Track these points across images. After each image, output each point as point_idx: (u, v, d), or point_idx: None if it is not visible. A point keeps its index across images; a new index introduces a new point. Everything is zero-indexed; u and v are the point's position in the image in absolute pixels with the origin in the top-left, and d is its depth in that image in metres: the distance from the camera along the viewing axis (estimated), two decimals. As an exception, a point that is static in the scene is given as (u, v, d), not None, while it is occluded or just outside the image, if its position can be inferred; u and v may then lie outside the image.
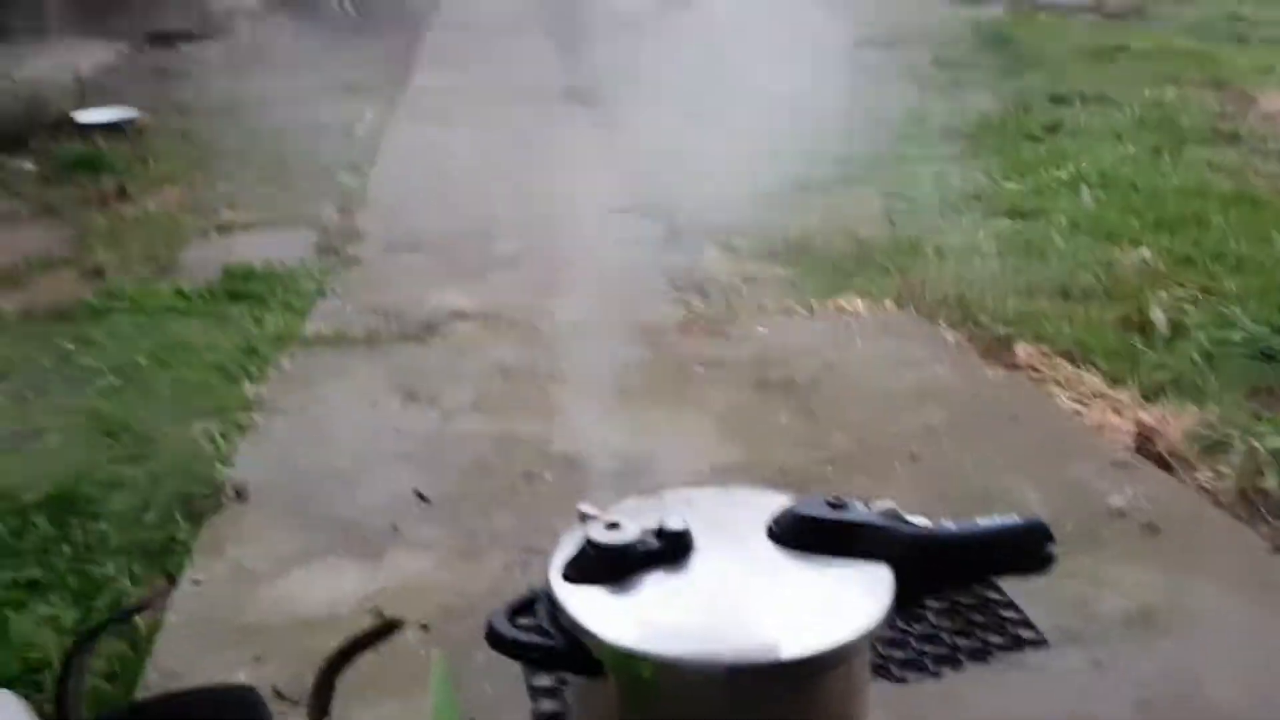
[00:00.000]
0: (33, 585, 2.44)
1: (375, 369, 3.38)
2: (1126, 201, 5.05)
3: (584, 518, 1.38)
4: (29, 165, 6.29)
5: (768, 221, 4.70)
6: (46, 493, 2.73)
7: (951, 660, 2.03)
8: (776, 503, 1.43)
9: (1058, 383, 3.28)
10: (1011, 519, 1.43)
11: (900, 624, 2.05)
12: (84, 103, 7.54)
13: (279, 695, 1.92)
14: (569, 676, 1.40)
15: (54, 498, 2.71)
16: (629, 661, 1.24)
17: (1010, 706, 1.96)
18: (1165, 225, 4.70)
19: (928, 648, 2.04)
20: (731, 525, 1.42)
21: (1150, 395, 3.22)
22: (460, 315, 3.81)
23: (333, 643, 1.37)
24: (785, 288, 4.03)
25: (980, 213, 4.95)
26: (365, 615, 2.16)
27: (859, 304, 3.79)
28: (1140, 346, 3.56)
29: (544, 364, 3.38)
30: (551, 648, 1.30)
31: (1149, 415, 3.03)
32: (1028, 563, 1.44)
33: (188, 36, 10.82)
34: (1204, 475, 2.75)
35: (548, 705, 1.95)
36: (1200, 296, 3.92)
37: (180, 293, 4.12)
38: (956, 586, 1.44)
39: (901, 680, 1.98)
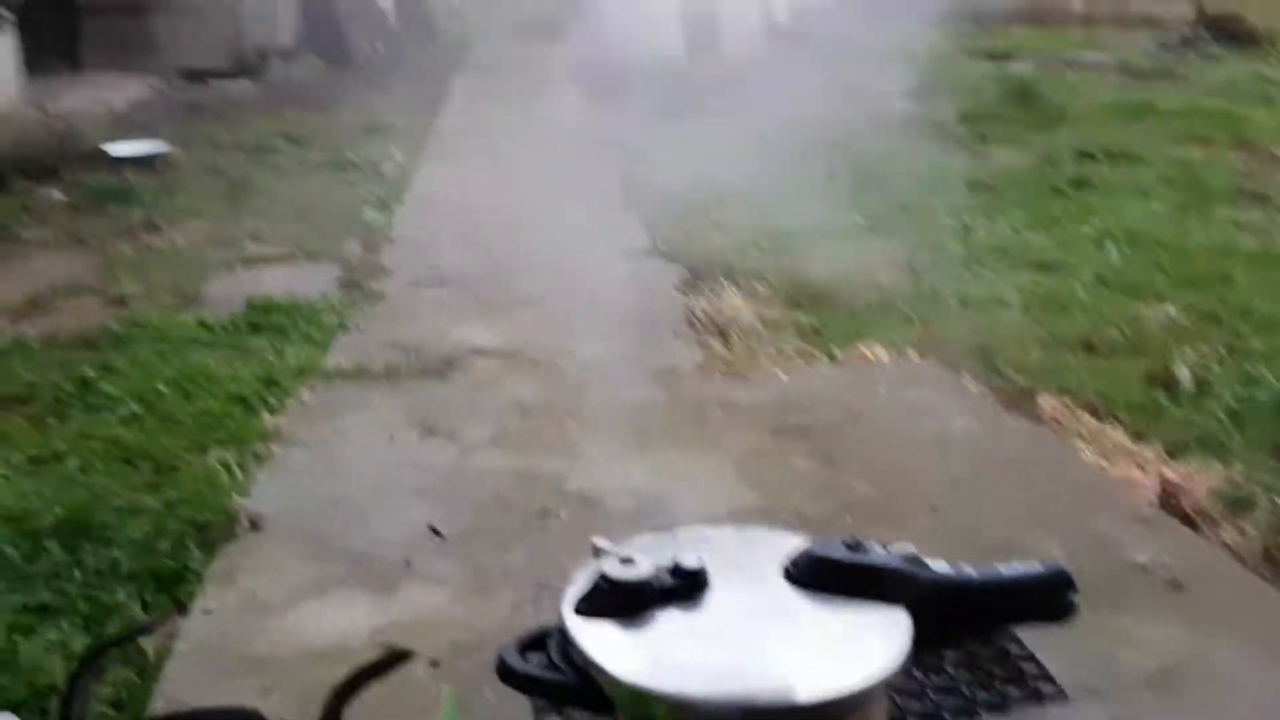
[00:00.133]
0: (43, 610, 2.42)
1: (394, 403, 3.37)
2: (1152, 258, 5.02)
3: (598, 552, 1.36)
4: (59, 195, 6.35)
5: (790, 268, 4.69)
6: (60, 517, 2.73)
7: (969, 712, 1.98)
8: (793, 543, 1.42)
9: (1081, 436, 3.24)
10: (1033, 566, 1.41)
11: (918, 674, 2.02)
12: (115, 136, 7.63)
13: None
14: (579, 714, 1.38)
15: (68, 523, 2.71)
16: (641, 699, 1.22)
17: (1029, 761, 1.91)
18: (1191, 282, 4.67)
19: (946, 699, 2.00)
20: (747, 564, 1.40)
21: (1174, 451, 3.18)
22: (481, 352, 3.81)
23: (342, 675, 1.36)
24: (806, 334, 4.01)
25: (1005, 265, 4.93)
26: (376, 648, 2.13)
27: (881, 352, 3.77)
28: (1164, 402, 3.52)
29: (563, 402, 3.36)
30: (562, 683, 1.28)
31: (1173, 471, 2.99)
32: (1049, 611, 1.41)
33: (220, 74, 10.95)
34: (1228, 533, 2.70)
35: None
36: (1225, 354, 3.88)
37: (203, 324, 4.14)
38: (976, 634, 1.41)
39: (918, 731, 1.94)
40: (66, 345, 3.99)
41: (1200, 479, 2.95)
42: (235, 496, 2.80)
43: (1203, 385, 3.64)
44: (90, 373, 3.66)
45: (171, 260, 5.08)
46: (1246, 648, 2.19)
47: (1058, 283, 4.69)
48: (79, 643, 2.29)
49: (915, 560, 1.36)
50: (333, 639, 2.23)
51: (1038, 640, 2.11)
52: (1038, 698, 2.03)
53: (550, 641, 1.33)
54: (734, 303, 4.19)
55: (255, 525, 2.67)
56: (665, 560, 1.34)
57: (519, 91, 10.79)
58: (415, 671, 2.05)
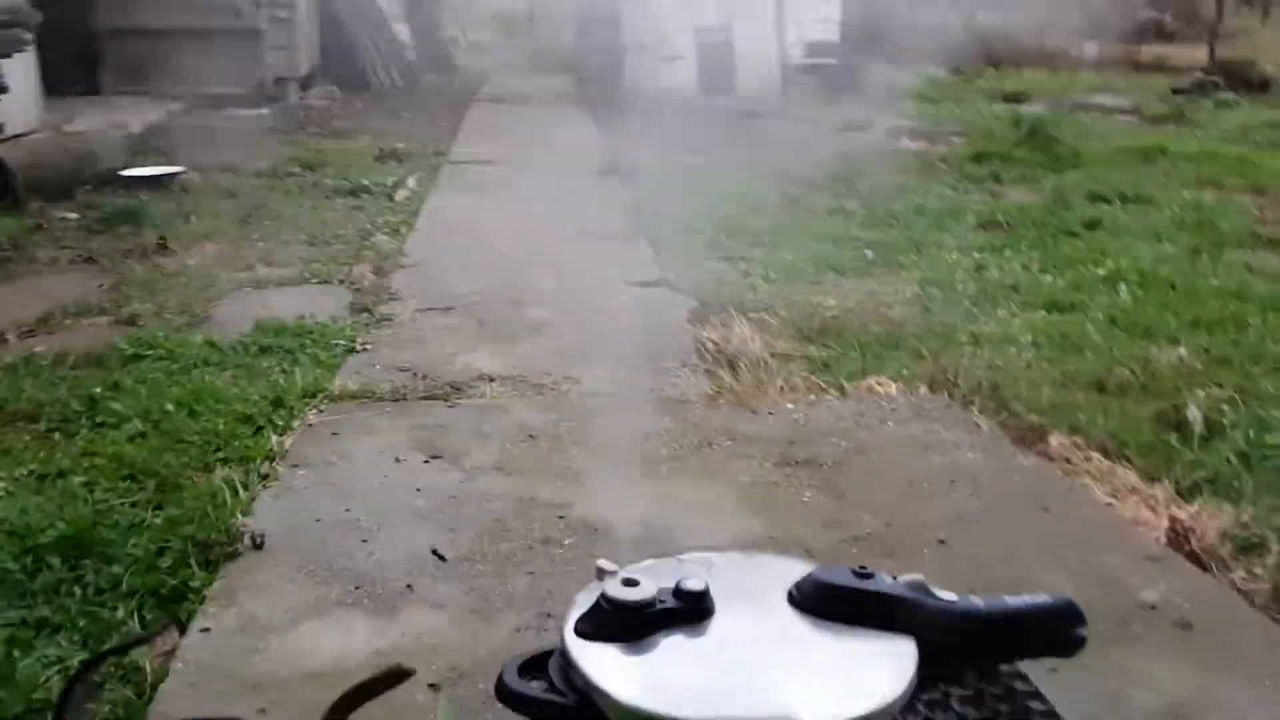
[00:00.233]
0: (42, 625, 2.40)
1: (400, 426, 3.36)
2: (1164, 300, 5.02)
3: (601, 574, 1.34)
4: (73, 215, 6.38)
5: (801, 301, 4.69)
6: (62, 533, 2.70)
7: (975, 750, 1.95)
8: (799, 570, 1.39)
9: (1091, 475, 3.22)
10: (1042, 598, 1.39)
11: (924, 710, 1.99)
12: (132, 158, 7.68)
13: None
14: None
15: (70, 539, 2.69)
16: (641, 723, 1.20)
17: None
18: (1203, 325, 4.66)
19: (951, 736, 1.97)
20: (752, 590, 1.38)
21: (1185, 492, 3.15)
22: (488, 378, 3.80)
23: (341, 690, 1.34)
24: (816, 367, 4.00)
25: (1017, 304, 4.92)
26: (376, 666, 2.11)
27: (891, 386, 3.75)
28: (1175, 444, 3.50)
29: (568, 429, 3.35)
30: (562, 704, 1.26)
31: (1183, 512, 2.96)
32: (1057, 644, 1.39)
33: (238, 101, 11.04)
34: (1238, 575, 2.67)
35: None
36: (1237, 397, 3.85)
37: (212, 344, 4.14)
38: (983, 665, 1.39)
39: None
40: (75, 364, 3.98)
41: (1210, 520, 2.92)
42: (238, 516, 2.78)
43: (1214, 427, 3.62)
44: (98, 391, 3.65)
45: (182, 281, 5.09)
46: (1256, 688, 2.16)
47: (1070, 322, 4.68)
48: (77, 659, 2.27)
49: (922, 589, 1.34)
50: (331, 661, 2.21)
51: (1045, 678, 2.08)
52: (1045, 736, 2.00)
53: (551, 662, 1.30)
54: (743, 334, 4.17)
55: (257, 545, 2.65)
56: (669, 583, 1.32)
57: (533, 123, 10.86)
58: (415, 696, 2.03)
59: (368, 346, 4.17)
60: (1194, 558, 2.74)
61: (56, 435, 3.38)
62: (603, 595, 1.30)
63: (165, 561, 2.61)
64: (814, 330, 4.38)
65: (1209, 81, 12.96)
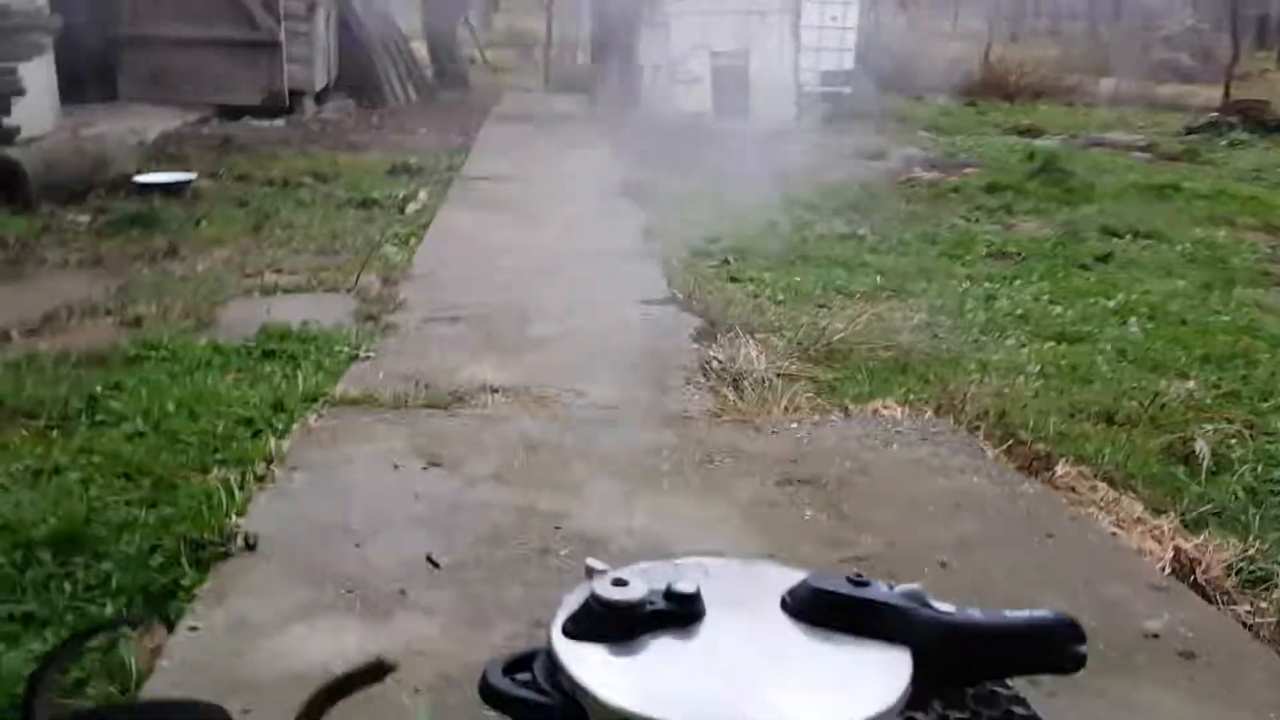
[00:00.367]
0: (29, 620, 2.38)
1: (401, 433, 3.33)
2: (1174, 334, 4.99)
3: (591, 573, 1.31)
4: (84, 219, 6.39)
5: (808, 323, 4.66)
6: (55, 529, 2.68)
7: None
8: (794, 578, 1.36)
9: (1096, 504, 3.18)
10: (1041, 613, 1.35)
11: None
12: (146, 165, 7.70)
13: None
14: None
15: (62, 535, 2.67)
16: (625, 727, 1.17)
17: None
18: (1212, 360, 4.63)
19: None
20: (745, 594, 1.35)
21: (1191, 525, 3.12)
22: (491, 389, 3.78)
23: (322, 682, 1.31)
24: (822, 388, 3.97)
25: (1026, 334, 4.89)
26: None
27: (896, 409, 3.72)
28: (1182, 477, 3.47)
29: (570, 442, 3.32)
30: (547, 705, 1.23)
31: (1189, 543, 2.93)
32: (1056, 661, 1.35)
33: (254, 111, 11.09)
34: (1243, 609, 2.63)
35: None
36: (1245, 432, 3.82)
37: (216, 347, 4.12)
38: (980, 687, 1.35)
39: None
40: (78, 363, 3.97)
41: (1216, 553, 2.88)
42: (233, 517, 2.75)
43: (1221, 462, 3.59)
44: (98, 390, 3.63)
45: (190, 285, 5.08)
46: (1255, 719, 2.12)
47: (1079, 353, 4.65)
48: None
49: (919, 599, 1.31)
50: (319, 664, 2.17)
51: (1046, 706, 2.04)
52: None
53: (536, 662, 1.27)
54: (749, 354, 4.14)
55: (251, 546, 2.63)
56: (660, 585, 1.29)
57: (546, 142, 10.88)
58: (400, 697, 2.00)
59: (371, 354, 4.15)
60: (1199, 589, 2.70)
61: (55, 432, 3.36)
62: (592, 595, 1.26)
63: (157, 560, 2.58)
64: (821, 352, 4.35)
65: (1223, 121, 12.96)
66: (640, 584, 1.28)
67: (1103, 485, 3.33)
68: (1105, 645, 2.26)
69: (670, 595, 1.27)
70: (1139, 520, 3.12)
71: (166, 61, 10.70)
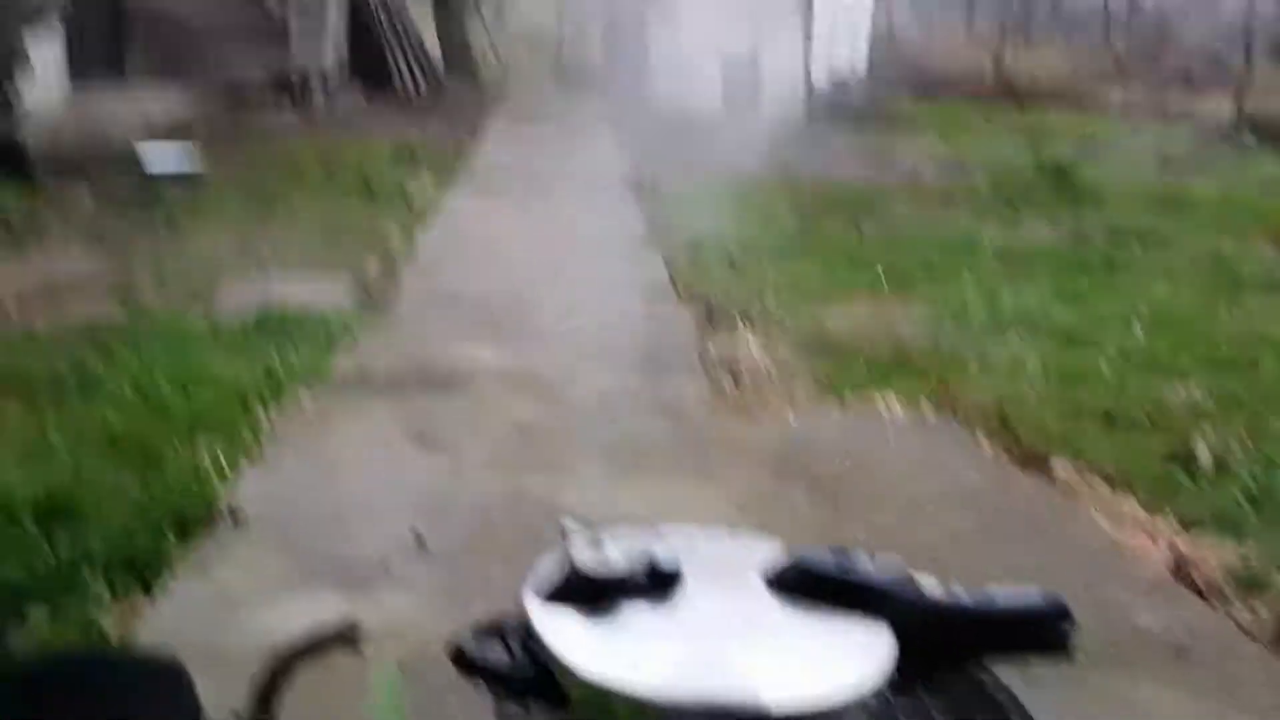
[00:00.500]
0: (7, 586, 2.35)
1: (394, 413, 3.31)
2: (1178, 339, 4.94)
3: (565, 533, 1.27)
4: (87, 195, 6.37)
5: (809, 317, 4.63)
6: (40, 498, 2.66)
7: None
8: (777, 550, 1.33)
9: (1094, 503, 3.14)
10: (1027, 590, 1.32)
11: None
12: (151, 143, 7.67)
13: (237, 718, 1.80)
14: (539, 706, 1.29)
15: (47, 502, 2.64)
16: (598, 696, 1.13)
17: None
18: (1215, 365, 4.58)
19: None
20: (727, 566, 1.31)
21: (1189, 526, 3.08)
22: (486, 372, 3.75)
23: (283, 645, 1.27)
24: (820, 381, 3.93)
25: (1028, 334, 4.85)
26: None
27: (894, 404, 3.68)
28: (1181, 479, 3.42)
29: (564, 427, 3.30)
30: (517, 673, 1.19)
31: (1186, 545, 2.89)
32: (1044, 642, 1.32)
33: (262, 93, 11.05)
34: (1239, 610, 2.60)
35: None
36: (1246, 437, 3.78)
37: (212, 324, 4.09)
38: (966, 660, 1.31)
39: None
40: (73, 336, 3.95)
41: (1213, 554, 2.85)
42: (220, 490, 2.73)
43: (1221, 465, 3.55)
44: (92, 362, 3.61)
45: (189, 263, 5.06)
46: (1251, 718, 2.09)
47: (1081, 355, 4.60)
48: (42, 619, 2.21)
49: (904, 574, 1.27)
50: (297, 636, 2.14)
51: (1039, 701, 2.01)
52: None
53: (508, 628, 1.24)
54: (748, 346, 4.11)
55: (236, 519, 2.60)
56: (639, 552, 1.25)
57: (552, 134, 10.85)
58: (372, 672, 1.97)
59: (369, 335, 4.12)
60: (1195, 590, 2.67)
61: (46, 404, 3.34)
62: (568, 561, 1.23)
63: (141, 531, 2.56)
64: (820, 346, 4.31)
65: (1234, 131, 12.91)
66: (618, 549, 1.24)
67: (1101, 484, 3.29)
68: (1100, 642, 2.22)
69: (649, 563, 1.24)
70: (1136, 520, 3.08)
71: (176, 41, 10.66)
